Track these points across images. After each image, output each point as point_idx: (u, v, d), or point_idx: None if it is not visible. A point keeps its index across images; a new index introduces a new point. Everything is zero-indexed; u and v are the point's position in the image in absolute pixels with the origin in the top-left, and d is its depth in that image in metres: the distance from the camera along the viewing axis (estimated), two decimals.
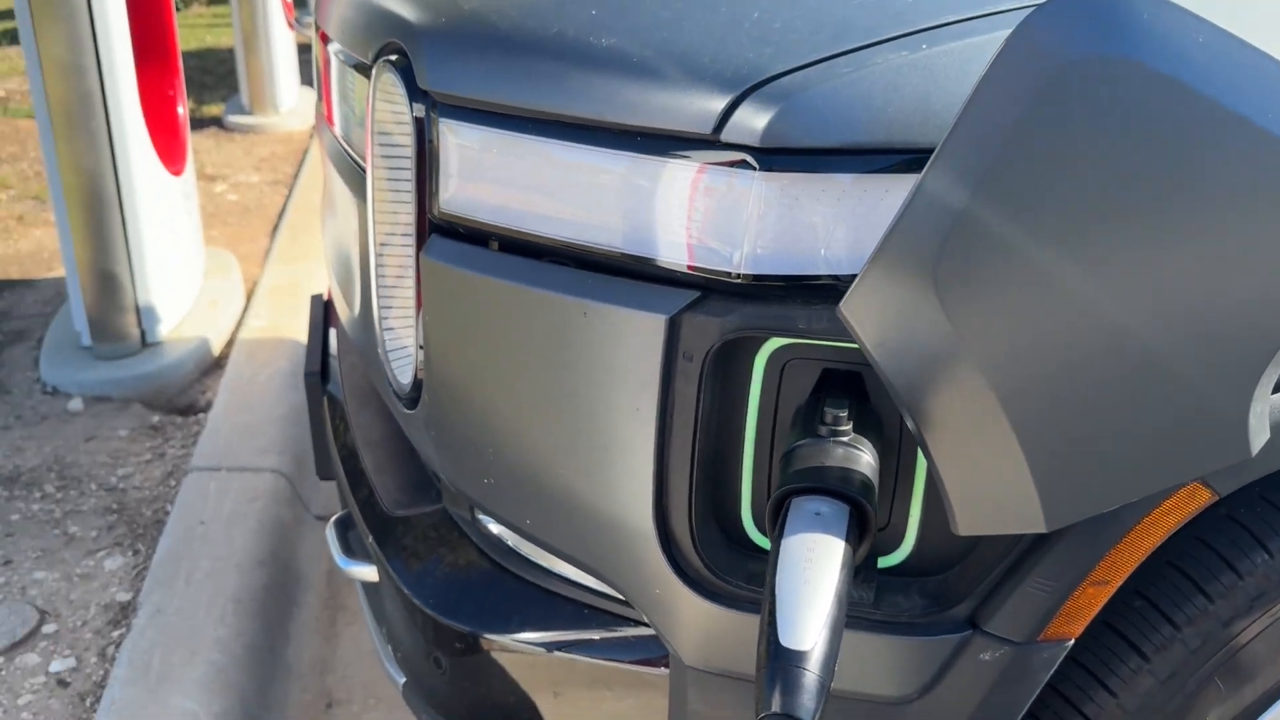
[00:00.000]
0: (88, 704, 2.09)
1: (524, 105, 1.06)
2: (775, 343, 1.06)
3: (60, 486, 2.78)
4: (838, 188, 0.96)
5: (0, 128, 5.84)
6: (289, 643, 2.45)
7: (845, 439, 0.97)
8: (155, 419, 3.14)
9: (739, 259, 0.99)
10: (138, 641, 2.19)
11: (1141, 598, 1.14)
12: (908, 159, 0.94)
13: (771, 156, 0.97)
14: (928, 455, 0.92)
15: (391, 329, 1.38)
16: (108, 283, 3.23)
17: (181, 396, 3.31)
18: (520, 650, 1.29)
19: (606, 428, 1.09)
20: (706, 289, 1.03)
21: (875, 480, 0.95)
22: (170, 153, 3.44)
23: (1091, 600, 1.05)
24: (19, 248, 4.42)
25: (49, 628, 2.28)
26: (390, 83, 1.22)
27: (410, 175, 1.20)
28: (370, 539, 1.50)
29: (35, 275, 4.16)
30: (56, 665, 2.18)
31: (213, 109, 6.33)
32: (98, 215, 3.14)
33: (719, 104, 0.97)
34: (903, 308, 0.86)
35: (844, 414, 0.97)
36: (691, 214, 1.00)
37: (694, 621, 1.13)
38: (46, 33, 2.91)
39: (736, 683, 1.15)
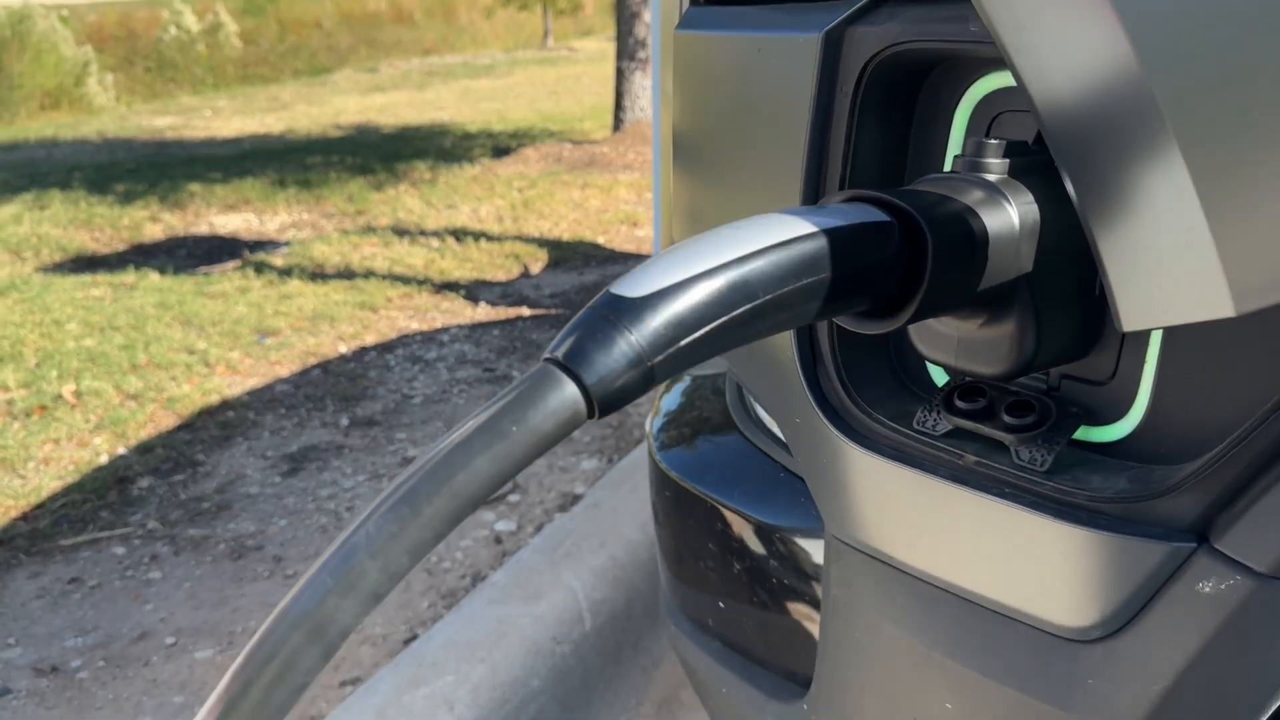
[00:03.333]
0: (503, 560, 2.26)
1: None
2: (986, 85, 0.77)
3: None
4: None
5: None
6: None
7: (991, 178, 0.65)
8: None
9: None
10: (563, 523, 2.32)
11: None
12: None
13: None
14: (1080, 210, 0.59)
15: None
16: None
17: None
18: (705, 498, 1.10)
19: (765, 187, 0.88)
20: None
21: (1009, 244, 0.63)
22: None
23: None
24: (647, 233, 5.03)
25: (514, 498, 2.52)
26: None
27: None
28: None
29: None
30: (501, 525, 2.40)
31: None
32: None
33: None
34: None
35: (995, 144, 0.66)
36: None
37: (834, 468, 0.86)
38: (665, 73, 3.33)
39: (879, 567, 0.84)
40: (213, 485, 2.59)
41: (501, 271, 4.45)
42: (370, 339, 3.57)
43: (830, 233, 0.56)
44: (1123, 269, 0.57)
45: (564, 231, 5.13)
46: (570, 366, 0.50)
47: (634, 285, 0.52)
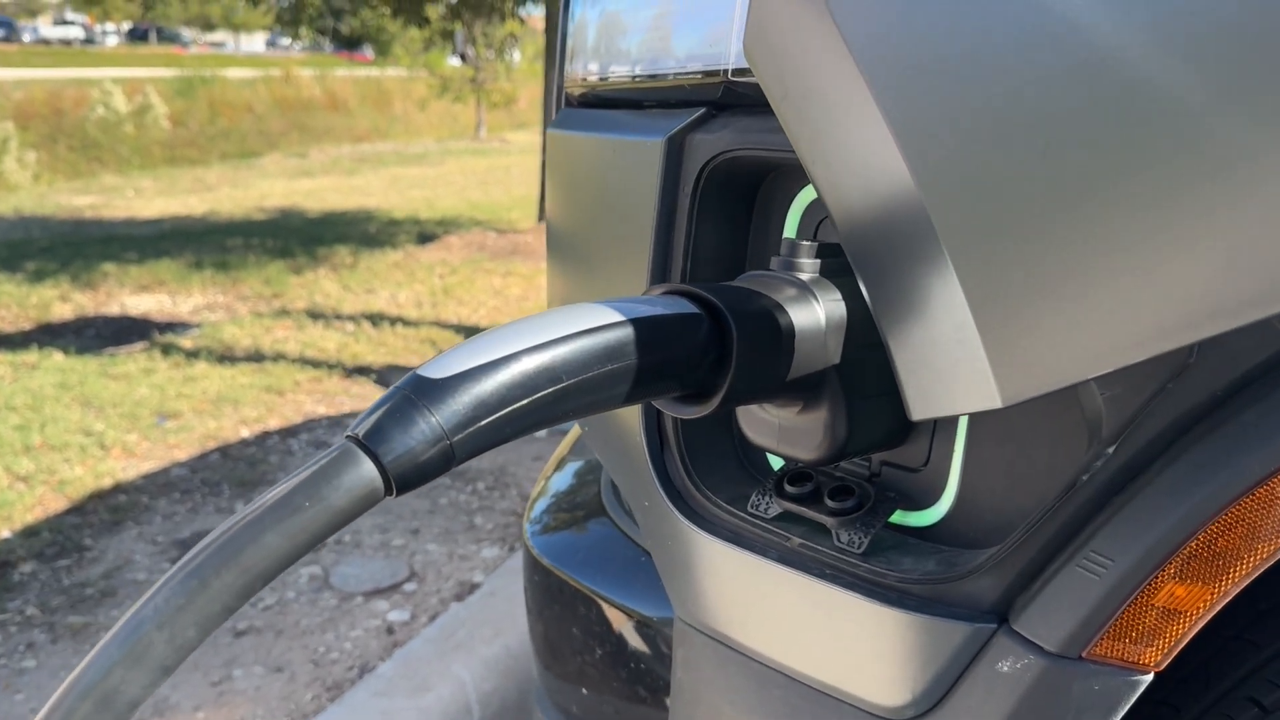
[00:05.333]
0: (395, 651, 2.23)
1: None
2: (813, 190, 0.82)
3: (490, 487, 3.06)
4: None
5: None
6: None
7: (803, 276, 0.70)
8: None
9: (734, 52, 0.79)
10: (457, 613, 2.30)
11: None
12: None
13: None
14: (872, 308, 0.63)
15: None
16: None
17: None
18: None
19: (621, 277, 0.92)
20: (716, 106, 0.83)
21: (816, 338, 0.67)
22: None
23: (1179, 607, 0.62)
24: None
25: (409, 586, 2.49)
26: None
27: None
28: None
29: None
30: (394, 615, 2.37)
31: None
32: None
33: None
34: (796, 29, 0.61)
35: (808, 245, 0.71)
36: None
37: (677, 551, 0.88)
38: None
39: (720, 649, 0.86)
40: (98, 571, 2.51)
41: (416, 356, 4.45)
42: (274, 423, 3.53)
43: (637, 322, 0.60)
44: (909, 362, 0.61)
45: (482, 318, 5.15)
46: (368, 445, 0.52)
47: (439, 367, 0.55)
